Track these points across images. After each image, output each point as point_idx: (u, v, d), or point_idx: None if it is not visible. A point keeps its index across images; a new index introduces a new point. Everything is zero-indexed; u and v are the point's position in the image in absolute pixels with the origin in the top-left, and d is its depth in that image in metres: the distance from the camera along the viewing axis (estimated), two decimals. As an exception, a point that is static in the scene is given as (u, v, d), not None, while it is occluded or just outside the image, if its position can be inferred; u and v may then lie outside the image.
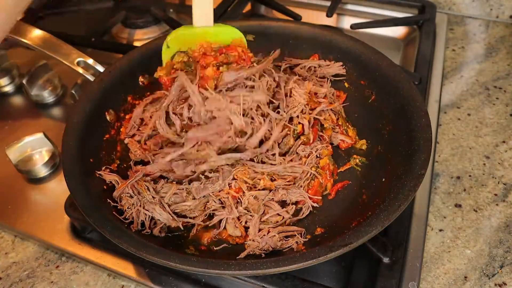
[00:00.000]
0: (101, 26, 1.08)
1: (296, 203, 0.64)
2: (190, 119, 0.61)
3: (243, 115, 0.59)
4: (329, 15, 1.03)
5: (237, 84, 0.61)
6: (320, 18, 1.08)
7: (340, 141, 0.72)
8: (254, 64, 0.65)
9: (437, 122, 0.82)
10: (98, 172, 0.63)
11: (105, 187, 0.63)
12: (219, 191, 0.61)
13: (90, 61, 0.82)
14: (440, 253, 0.64)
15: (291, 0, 1.16)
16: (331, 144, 0.72)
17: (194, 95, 0.58)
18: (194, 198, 0.61)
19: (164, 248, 0.52)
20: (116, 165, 0.68)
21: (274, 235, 0.57)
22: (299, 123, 0.67)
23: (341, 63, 0.78)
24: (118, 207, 0.60)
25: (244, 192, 0.60)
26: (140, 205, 0.59)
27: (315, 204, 0.63)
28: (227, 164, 0.62)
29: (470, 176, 0.75)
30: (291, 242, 0.58)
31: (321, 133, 0.71)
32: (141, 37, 1.11)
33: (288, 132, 0.66)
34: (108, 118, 0.72)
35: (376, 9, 1.12)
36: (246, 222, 0.60)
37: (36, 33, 0.84)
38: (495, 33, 1.09)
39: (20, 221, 0.69)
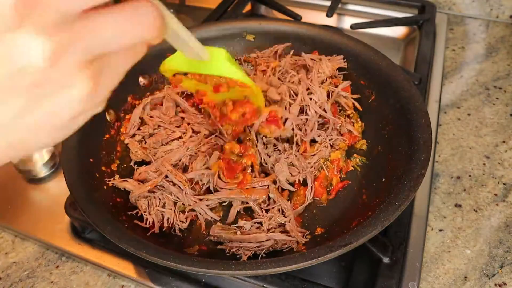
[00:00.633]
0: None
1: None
2: None
3: None
4: (329, 15, 1.03)
5: None
6: (320, 18, 1.08)
7: (347, 132, 0.72)
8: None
9: (437, 122, 0.82)
10: (111, 182, 0.64)
11: (105, 187, 0.63)
12: None
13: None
14: (440, 253, 0.64)
15: (291, 0, 1.16)
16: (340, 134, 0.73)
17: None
18: None
19: (164, 248, 0.52)
20: (116, 165, 0.69)
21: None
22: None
23: (342, 56, 0.78)
24: (137, 213, 0.62)
25: None
26: (158, 205, 0.61)
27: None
28: None
29: (470, 176, 0.75)
30: (291, 242, 0.58)
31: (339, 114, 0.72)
32: (141, 37, 1.11)
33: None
34: (108, 118, 0.72)
35: (376, 9, 1.12)
36: None
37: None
38: (495, 33, 1.09)
39: (20, 221, 0.69)
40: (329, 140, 0.69)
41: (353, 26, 1.02)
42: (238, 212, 0.63)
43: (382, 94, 0.72)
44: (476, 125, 0.85)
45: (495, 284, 0.61)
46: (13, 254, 0.67)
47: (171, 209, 0.62)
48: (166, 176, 0.63)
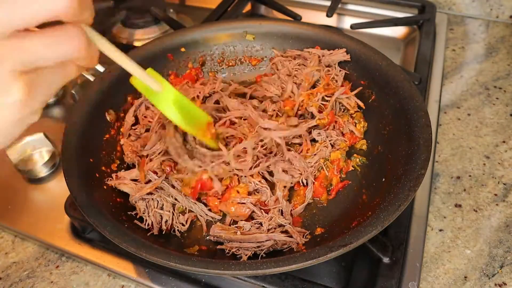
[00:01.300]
0: (101, 26, 1.08)
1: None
2: None
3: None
4: (329, 15, 1.03)
5: None
6: (320, 18, 1.08)
7: (348, 132, 0.72)
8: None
9: (437, 122, 0.82)
10: (113, 184, 0.64)
11: (105, 187, 0.63)
12: None
13: (90, 61, 0.82)
14: (440, 253, 0.64)
15: (291, 0, 1.16)
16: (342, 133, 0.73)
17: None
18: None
19: (164, 248, 0.52)
20: (116, 165, 0.69)
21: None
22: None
23: (344, 49, 0.77)
24: (137, 213, 0.62)
25: None
26: (156, 206, 0.61)
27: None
28: None
29: (470, 176, 0.75)
30: (291, 242, 0.58)
31: (338, 116, 0.72)
32: (141, 37, 1.11)
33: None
34: (108, 118, 0.72)
35: (376, 9, 1.13)
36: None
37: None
38: (495, 33, 1.09)
39: (20, 221, 0.69)
40: (329, 140, 0.69)
41: (353, 26, 1.02)
42: None
43: (382, 94, 0.72)
44: (476, 125, 0.85)
45: (495, 284, 0.61)
46: (13, 254, 0.67)
47: (169, 211, 0.62)
48: (166, 177, 0.63)
